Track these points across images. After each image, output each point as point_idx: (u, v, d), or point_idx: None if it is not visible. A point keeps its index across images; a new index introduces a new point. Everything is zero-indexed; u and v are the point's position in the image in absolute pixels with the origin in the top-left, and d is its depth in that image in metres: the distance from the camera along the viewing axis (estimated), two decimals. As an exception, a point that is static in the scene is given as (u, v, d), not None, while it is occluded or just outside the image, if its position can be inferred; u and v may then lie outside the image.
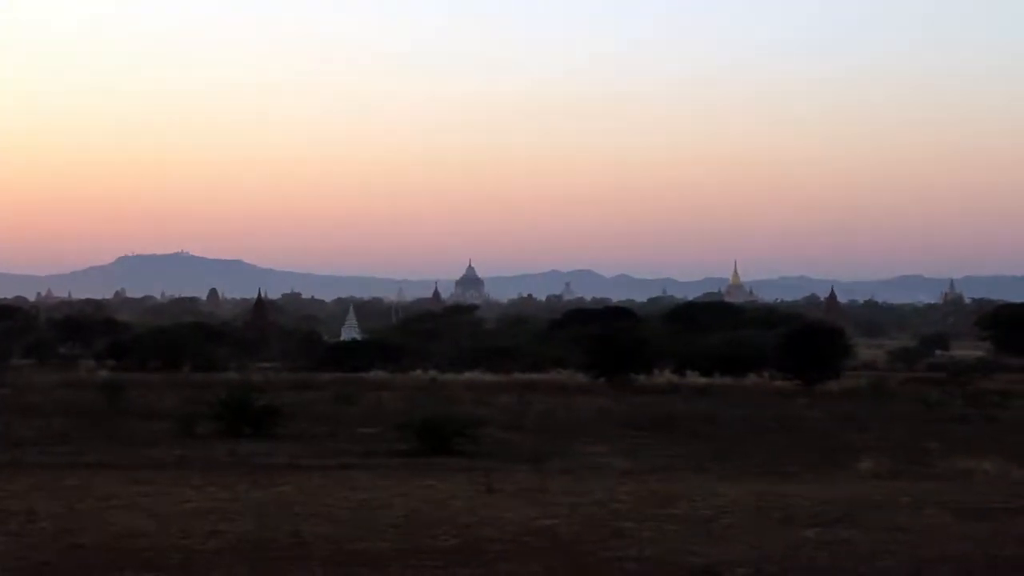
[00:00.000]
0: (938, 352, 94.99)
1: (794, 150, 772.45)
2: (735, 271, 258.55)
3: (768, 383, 56.57)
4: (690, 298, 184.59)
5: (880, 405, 43.54)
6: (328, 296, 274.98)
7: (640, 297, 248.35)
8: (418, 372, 63.30)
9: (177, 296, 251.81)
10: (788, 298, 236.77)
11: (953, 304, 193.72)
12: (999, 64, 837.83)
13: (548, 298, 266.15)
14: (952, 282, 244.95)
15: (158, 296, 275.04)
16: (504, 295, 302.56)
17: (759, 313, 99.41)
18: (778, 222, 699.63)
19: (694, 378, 58.67)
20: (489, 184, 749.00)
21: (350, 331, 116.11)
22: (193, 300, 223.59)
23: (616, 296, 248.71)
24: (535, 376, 58.84)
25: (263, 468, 22.90)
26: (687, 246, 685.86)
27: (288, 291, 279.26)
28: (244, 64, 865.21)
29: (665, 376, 58.91)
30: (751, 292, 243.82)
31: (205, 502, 17.40)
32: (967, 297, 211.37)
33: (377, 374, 60.62)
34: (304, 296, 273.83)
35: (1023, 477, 22.03)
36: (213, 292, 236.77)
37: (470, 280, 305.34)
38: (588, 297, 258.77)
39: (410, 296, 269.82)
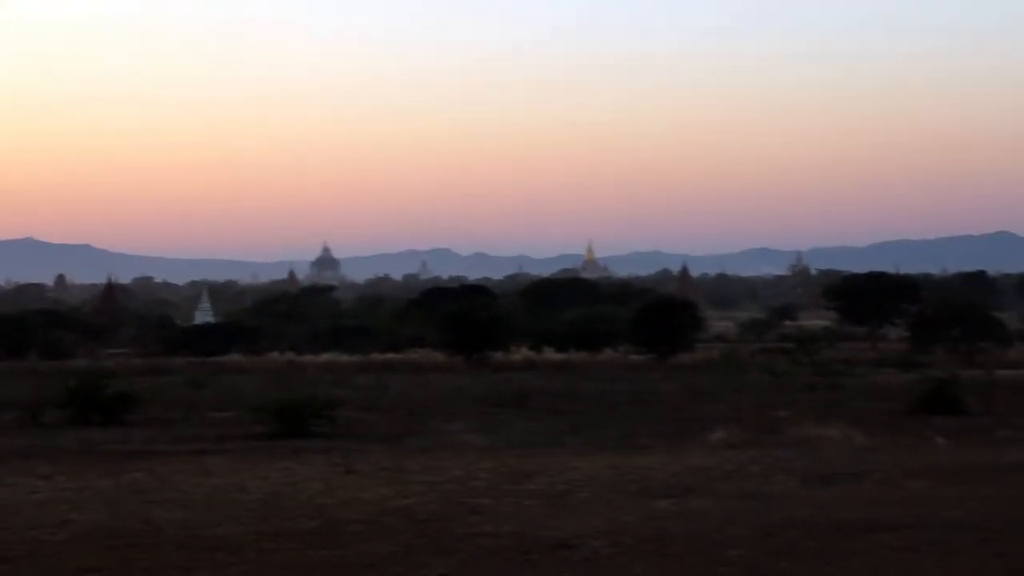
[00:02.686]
0: (786, 323, 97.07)
1: (642, 126, 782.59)
2: (589, 247, 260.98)
3: (623, 357, 57.40)
4: (545, 275, 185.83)
5: (731, 376, 44.44)
6: (181, 280, 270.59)
7: (496, 275, 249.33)
8: (274, 354, 62.73)
9: (23, 283, 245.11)
10: (642, 273, 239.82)
11: (800, 276, 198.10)
12: (835, 39, 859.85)
13: (405, 277, 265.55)
14: (799, 254, 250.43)
15: (2, 283, 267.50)
16: (361, 275, 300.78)
17: (613, 288, 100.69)
18: (630, 198, 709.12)
19: (550, 354, 59.18)
20: (343, 164, 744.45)
21: (204, 315, 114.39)
22: (39, 287, 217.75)
23: (472, 274, 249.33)
24: (392, 356, 58.75)
25: (114, 456, 22.50)
26: (542, 223, 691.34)
27: (139, 275, 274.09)
28: (83, 40, 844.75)
29: (522, 353, 59.30)
30: (605, 268, 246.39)
31: (54, 492, 17.04)
32: (813, 268, 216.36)
33: (233, 357, 59.92)
34: (156, 280, 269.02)
35: (867, 443, 22.73)
36: (60, 278, 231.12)
37: (326, 261, 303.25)
38: (445, 275, 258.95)
39: (265, 278, 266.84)
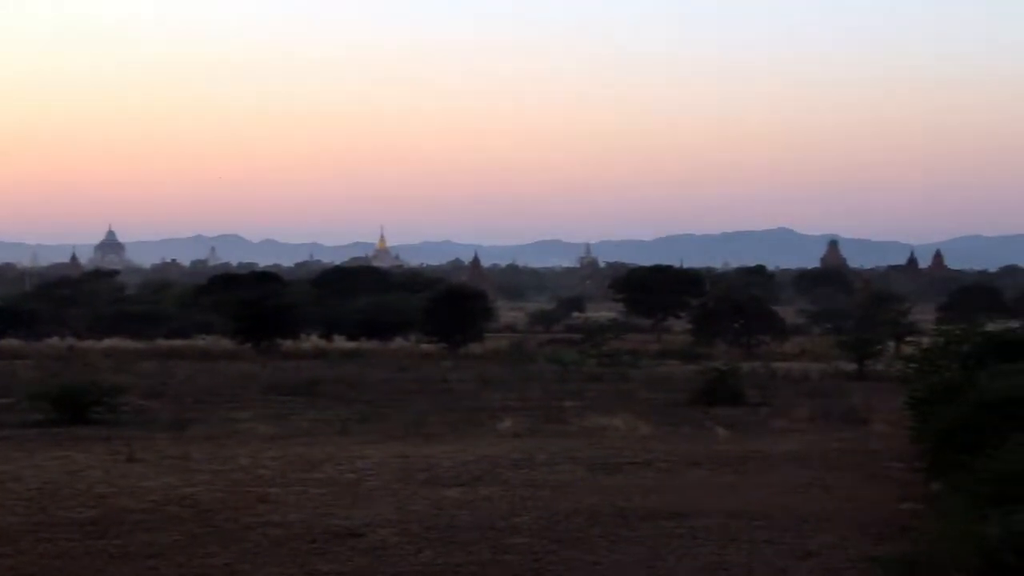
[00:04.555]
0: (575, 314, 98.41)
1: (431, 117, 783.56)
2: (382, 236, 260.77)
3: (414, 346, 57.39)
4: (337, 263, 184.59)
5: (520, 366, 44.91)
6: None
7: (287, 262, 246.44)
8: (54, 340, 60.80)
9: None
10: (433, 262, 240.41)
11: (589, 268, 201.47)
12: (636, 35, 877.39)
13: (193, 263, 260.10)
14: (588, 246, 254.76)
15: None
16: (147, 260, 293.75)
17: (405, 277, 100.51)
18: (422, 188, 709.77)
19: (341, 343, 58.82)
20: (129, 145, 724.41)
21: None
22: None
23: (263, 261, 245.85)
24: (179, 342, 57.53)
25: None
26: (333, 211, 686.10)
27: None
28: None
29: (312, 341, 58.79)
30: (397, 257, 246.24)
31: None
32: (602, 261, 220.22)
33: (9, 342, 57.81)
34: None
35: (650, 432, 23.29)
36: None
37: (110, 245, 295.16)
38: (234, 262, 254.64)
39: (45, 261, 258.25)
